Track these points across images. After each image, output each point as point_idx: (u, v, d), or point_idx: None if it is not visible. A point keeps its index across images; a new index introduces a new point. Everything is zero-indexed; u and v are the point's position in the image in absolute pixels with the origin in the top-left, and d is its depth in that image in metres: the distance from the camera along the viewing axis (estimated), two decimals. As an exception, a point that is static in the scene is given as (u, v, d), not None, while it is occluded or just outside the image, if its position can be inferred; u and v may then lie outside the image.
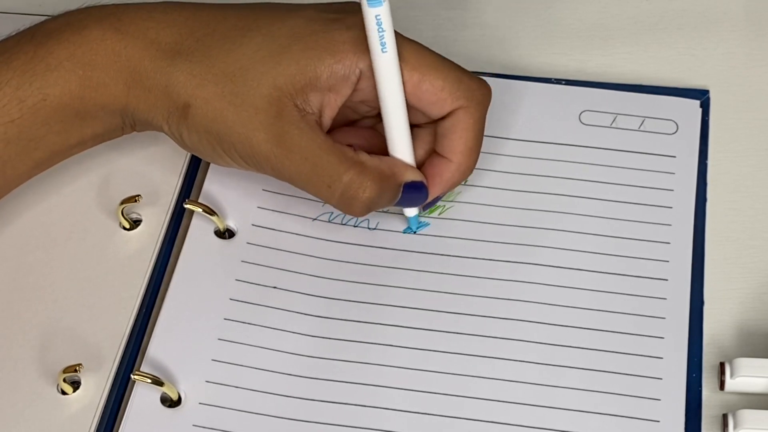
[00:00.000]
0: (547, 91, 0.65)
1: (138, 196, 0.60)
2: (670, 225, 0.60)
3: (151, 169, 0.62)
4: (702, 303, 0.57)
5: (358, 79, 0.55)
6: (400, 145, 0.56)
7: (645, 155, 0.62)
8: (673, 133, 0.63)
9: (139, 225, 0.60)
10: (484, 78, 0.57)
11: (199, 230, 0.60)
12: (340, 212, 0.60)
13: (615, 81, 0.66)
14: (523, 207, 0.61)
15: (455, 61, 0.56)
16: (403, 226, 0.60)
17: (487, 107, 0.57)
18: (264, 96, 0.54)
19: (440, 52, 0.55)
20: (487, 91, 0.57)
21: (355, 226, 0.60)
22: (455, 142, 0.57)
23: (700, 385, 0.55)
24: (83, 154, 0.61)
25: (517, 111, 0.64)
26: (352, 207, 0.55)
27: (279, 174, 0.55)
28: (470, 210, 0.61)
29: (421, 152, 0.58)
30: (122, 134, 0.58)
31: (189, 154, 0.62)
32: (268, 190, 0.62)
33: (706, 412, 0.55)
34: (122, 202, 0.60)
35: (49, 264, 0.59)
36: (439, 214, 0.61)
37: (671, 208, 0.60)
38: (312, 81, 0.54)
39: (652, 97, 0.64)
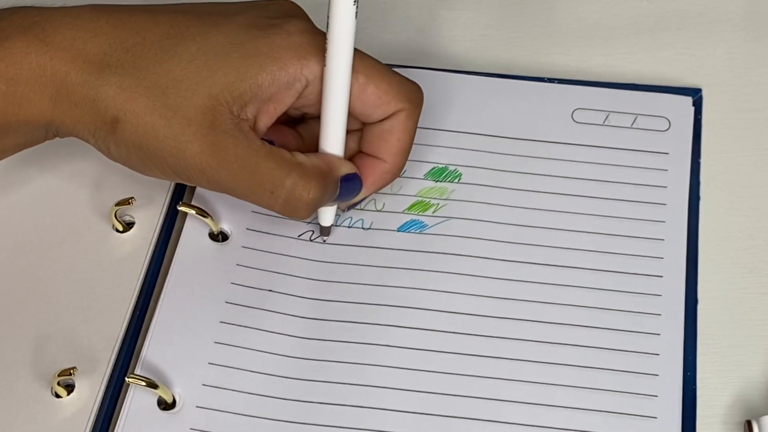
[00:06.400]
0: (540, 89, 0.65)
1: (131, 198, 0.60)
2: (663, 222, 0.60)
3: (146, 171, 0.62)
4: (696, 300, 0.57)
5: (304, 88, 0.54)
6: (335, 140, 0.56)
7: (638, 152, 0.62)
8: (666, 130, 0.63)
9: (132, 227, 0.60)
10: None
11: (193, 233, 0.60)
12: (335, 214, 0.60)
13: (615, 81, 0.66)
14: (517, 205, 0.61)
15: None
16: (397, 225, 0.60)
17: (421, 110, 0.57)
18: (198, 106, 0.52)
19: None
20: (422, 94, 0.57)
21: (349, 227, 0.60)
22: (392, 144, 0.57)
23: (695, 383, 0.55)
24: (76, 156, 0.61)
25: (510, 109, 0.64)
26: (297, 210, 0.54)
27: (215, 185, 0.53)
28: (464, 208, 0.61)
29: (347, 155, 0.58)
30: (44, 141, 0.56)
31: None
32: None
33: (701, 411, 0.55)
34: (116, 205, 0.59)
35: (42, 267, 0.59)
36: (433, 212, 0.61)
37: (665, 205, 0.60)
38: (252, 88, 0.53)
39: (644, 95, 0.64)
